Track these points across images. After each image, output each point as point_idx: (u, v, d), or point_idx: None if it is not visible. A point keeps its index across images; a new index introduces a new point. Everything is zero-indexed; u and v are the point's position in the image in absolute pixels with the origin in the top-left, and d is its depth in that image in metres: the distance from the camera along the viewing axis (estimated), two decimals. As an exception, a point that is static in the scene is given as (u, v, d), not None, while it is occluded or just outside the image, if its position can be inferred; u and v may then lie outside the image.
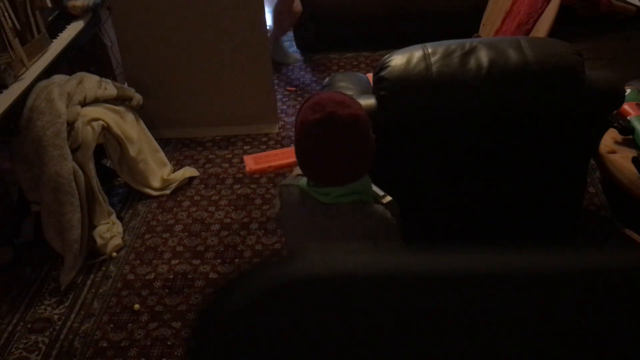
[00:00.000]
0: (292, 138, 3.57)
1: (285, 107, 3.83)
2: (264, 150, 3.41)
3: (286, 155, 2.76)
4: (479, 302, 0.32)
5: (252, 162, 2.73)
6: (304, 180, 1.47)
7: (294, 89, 4.04)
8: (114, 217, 2.84)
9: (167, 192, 3.09)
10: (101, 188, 2.77)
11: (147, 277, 2.60)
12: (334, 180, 1.40)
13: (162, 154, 3.18)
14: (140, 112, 3.10)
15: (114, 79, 3.25)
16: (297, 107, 3.80)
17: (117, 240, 2.75)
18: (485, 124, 2.03)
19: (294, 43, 4.56)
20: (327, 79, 2.63)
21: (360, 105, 1.39)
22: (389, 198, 1.50)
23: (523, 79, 1.93)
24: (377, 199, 1.48)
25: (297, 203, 1.50)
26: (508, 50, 1.95)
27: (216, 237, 2.79)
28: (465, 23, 3.89)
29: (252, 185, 3.11)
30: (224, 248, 2.73)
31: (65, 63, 2.97)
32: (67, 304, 2.49)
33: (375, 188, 1.50)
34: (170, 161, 3.24)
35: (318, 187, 1.43)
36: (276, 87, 3.79)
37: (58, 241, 2.59)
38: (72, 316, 2.43)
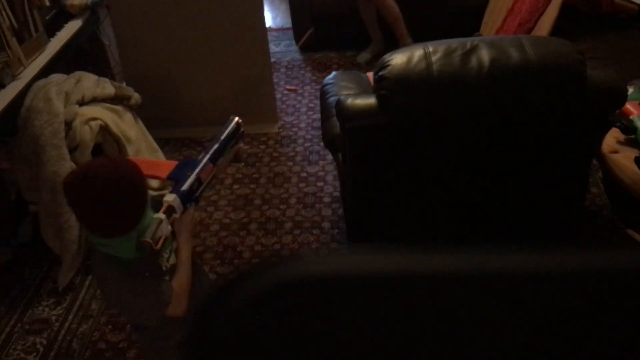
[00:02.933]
0: (292, 138, 3.58)
1: (284, 106, 3.82)
2: (263, 149, 3.40)
3: (155, 167, 2.62)
4: (480, 302, 0.32)
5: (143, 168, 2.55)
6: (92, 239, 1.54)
7: (294, 88, 4.03)
8: (112, 217, 2.83)
9: (166, 192, 3.08)
10: (99, 188, 2.76)
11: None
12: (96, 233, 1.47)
13: (160, 154, 3.17)
14: (139, 111, 3.09)
15: (112, 78, 3.24)
16: (298, 106, 3.82)
17: (116, 241, 2.74)
18: (486, 123, 2.03)
19: (293, 42, 4.56)
20: (327, 78, 2.63)
21: (113, 176, 1.41)
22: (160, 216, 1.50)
23: (524, 78, 1.92)
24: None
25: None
26: (509, 49, 1.94)
27: (215, 238, 2.78)
28: (466, 22, 3.89)
29: (251, 186, 3.11)
30: (223, 248, 2.72)
31: (63, 62, 2.96)
32: (65, 304, 2.48)
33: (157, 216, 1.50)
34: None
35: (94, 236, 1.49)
36: (276, 86, 3.79)
37: (56, 242, 2.58)
38: (70, 317, 2.42)
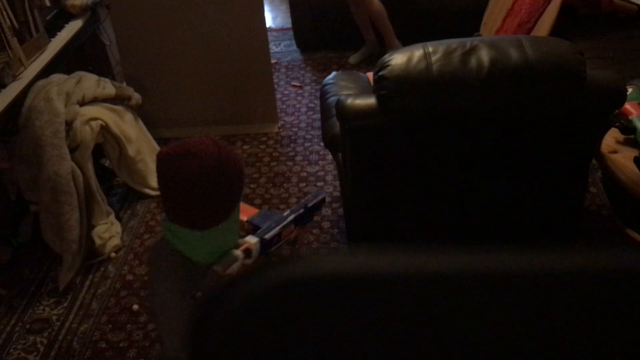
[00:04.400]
0: (292, 138, 3.57)
1: (285, 106, 3.82)
2: (263, 149, 3.40)
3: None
4: (480, 302, 0.32)
5: None
6: (166, 232, 1.46)
7: (298, 85, 4.04)
8: (112, 217, 2.84)
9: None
10: (100, 188, 2.77)
11: (146, 278, 2.59)
12: (189, 224, 1.39)
13: (161, 154, 3.17)
14: (139, 111, 3.09)
15: (112, 78, 3.24)
16: (298, 106, 3.82)
17: (116, 241, 2.75)
18: (486, 123, 2.03)
19: (293, 42, 4.56)
20: (328, 78, 2.63)
21: (212, 160, 1.33)
22: (252, 242, 1.48)
23: (524, 78, 1.93)
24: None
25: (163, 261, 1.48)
26: (509, 49, 1.94)
27: (215, 237, 2.78)
28: (466, 22, 3.89)
29: (251, 185, 3.11)
30: (223, 248, 2.72)
31: (64, 62, 2.96)
32: (65, 304, 2.49)
33: (243, 237, 1.49)
34: (169, 161, 3.23)
35: (177, 229, 1.41)
36: (276, 86, 3.79)
37: (57, 241, 2.58)
38: (71, 317, 2.42)
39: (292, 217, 1.59)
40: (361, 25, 4.21)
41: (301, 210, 1.63)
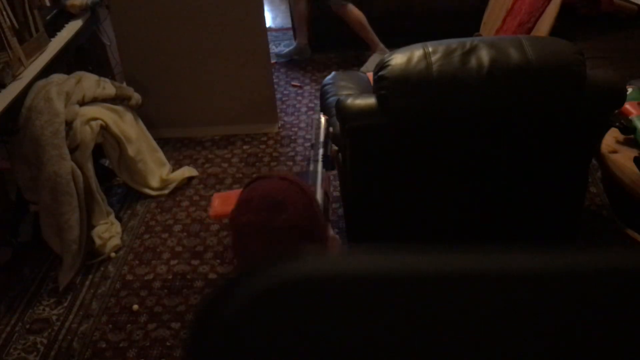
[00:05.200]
0: (292, 138, 3.57)
1: (284, 106, 3.82)
2: (263, 149, 3.40)
3: None
4: (480, 302, 0.32)
5: (219, 203, 2.29)
6: None
7: (298, 84, 4.04)
8: (112, 217, 2.84)
9: (166, 192, 3.09)
10: (100, 188, 2.77)
11: (146, 278, 2.59)
12: None
13: (161, 154, 3.17)
14: (139, 111, 3.09)
15: (112, 78, 3.24)
16: (298, 106, 3.82)
17: (116, 241, 2.75)
18: (485, 123, 2.03)
19: (294, 42, 4.56)
20: (327, 78, 2.63)
21: (303, 201, 1.16)
22: None
23: (524, 78, 1.92)
24: None
25: None
26: (509, 49, 1.94)
27: (215, 238, 2.79)
28: (466, 22, 3.89)
29: (251, 185, 3.11)
30: (223, 248, 2.72)
31: (64, 62, 2.96)
32: (65, 304, 2.49)
33: None
34: (169, 161, 3.23)
35: None
36: (276, 86, 3.79)
37: (56, 241, 2.58)
38: (71, 317, 2.42)
39: (319, 167, 1.39)
40: (296, 23, 4.22)
41: (321, 150, 1.44)
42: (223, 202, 2.15)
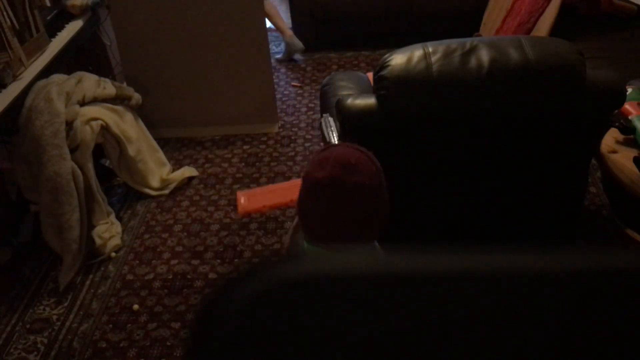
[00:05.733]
0: (292, 138, 3.57)
1: (285, 106, 3.82)
2: (263, 149, 3.40)
3: (282, 193, 2.36)
4: (479, 303, 0.32)
5: (245, 201, 2.36)
6: (307, 246, 1.35)
7: (299, 85, 4.04)
8: (112, 217, 2.84)
9: (166, 192, 3.09)
10: (100, 188, 2.77)
11: (146, 278, 2.59)
12: (328, 243, 1.28)
13: (161, 154, 3.17)
14: (139, 111, 3.09)
15: (112, 78, 3.25)
16: (298, 106, 3.82)
17: (116, 241, 2.75)
18: (485, 123, 2.03)
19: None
20: (327, 78, 2.63)
21: (372, 169, 1.27)
22: None
23: (524, 79, 1.93)
24: None
25: None
26: (509, 49, 1.94)
27: (215, 237, 2.79)
28: (465, 22, 3.89)
29: (251, 185, 3.11)
30: (223, 248, 2.72)
31: (64, 62, 2.96)
32: (65, 304, 2.49)
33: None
34: (169, 161, 3.23)
35: (321, 250, 1.25)
36: (276, 86, 3.79)
37: (57, 241, 2.58)
38: (71, 316, 2.42)
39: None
40: (271, 21, 4.23)
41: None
42: (249, 199, 2.19)
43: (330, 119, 1.72)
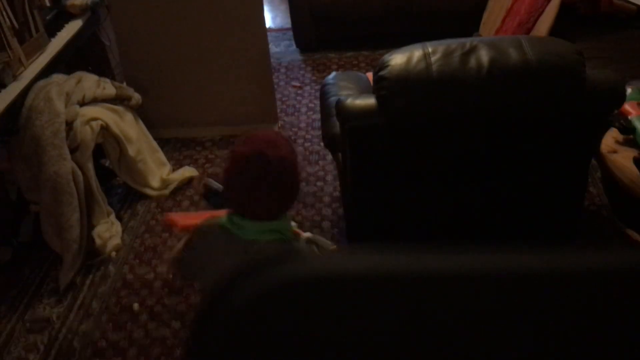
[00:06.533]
0: (292, 138, 3.57)
1: (284, 106, 3.82)
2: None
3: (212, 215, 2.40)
4: (480, 302, 0.32)
5: (180, 217, 2.21)
6: (224, 218, 1.47)
7: (298, 85, 4.04)
8: (113, 217, 2.84)
9: (166, 192, 3.09)
10: (100, 188, 2.77)
11: (146, 277, 2.59)
12: (252, 214, 1.42)
13: (161, 154, 3.17)
14: (139, 111, 3.09)
15: (112, 78, 3.24)
16: (298, 106, 3.82)
17: (116, 240, 2.75)
18: (485, 123, 2.03)
19: (293, 42, 4.56)
20: (327, 78, 2.63)
21: (291, 149, 1.45)
22: (307, 235, 1.63)
23: (524, 79, 1.93)
24: (295, 238, 1.56)
25: (215, 241, 1.48)
26: (508, 49, 1.94)
27: (215, 237, 2.78)
28: (465, 22, 3.88)
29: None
30: (223, 248, 2.72)
31: (64, 62, 2.96)
32: (66, 303, 2.49)
33: (294, 226, 1.57)
34: (169, 161, 3.23)
35: (241, 219, 1.43)
36: (276, 86, 3.79)
37: (57, 241, 2.58)
38: (71, 316, 2.42)
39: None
40: None
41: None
42: (183, 217, 2.16)
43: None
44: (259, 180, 1.39)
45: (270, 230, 1.44)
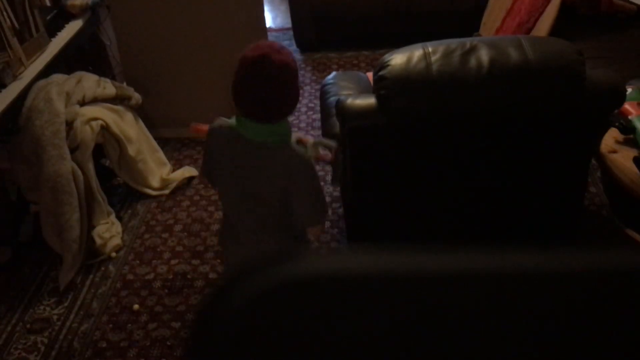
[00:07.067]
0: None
1: (285, 106, 3.82)
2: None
3: None
4: (479, 303, 0.32)
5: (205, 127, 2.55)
6: (233, 120, 1.67)
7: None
8: (113, 217, 2.84)
9: (167, 191, 3.09)
10: (100, 188, 2.77)
11: (146, 277, 2.59)
12: (257, 114, 1.59)
13: (161, 154, 3.17)
14: (139, 111, 3.09)
15: (112, 78, 3.24)
16: (298, 106, 3.81)
17: (116, 240, 2.75)
18: (485, 123, 2.03)
19: (293, 42, 4.56)
20: (327, 78, 2.63)
21: (292, 57, 1.60)
22: (312, 140, 1.83)
23: (524, 78, 1.93)
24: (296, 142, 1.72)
25: (225, 142, 1.68)
26: (509, 49, 1.94)
27: (216, 237, 2.78)
28: (465, 22, 3.89)
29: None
30: (223, 248, 2.72)
31: (64, 62, 2.96)
32: (66, 304, 2.49)
33: (300, 135, 1.77)
34: (169, 161, 3.23)
35: (247, 121, 1.62)
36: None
37: (57, 241, 2.58)
38: (71, 316, 2.42)
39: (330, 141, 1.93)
40: None
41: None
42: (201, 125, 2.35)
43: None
44: (263, 82, 1.54)
45: (271, 132, 1.60)
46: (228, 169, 1.68)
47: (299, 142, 1.74)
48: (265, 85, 1.55)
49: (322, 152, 1.83)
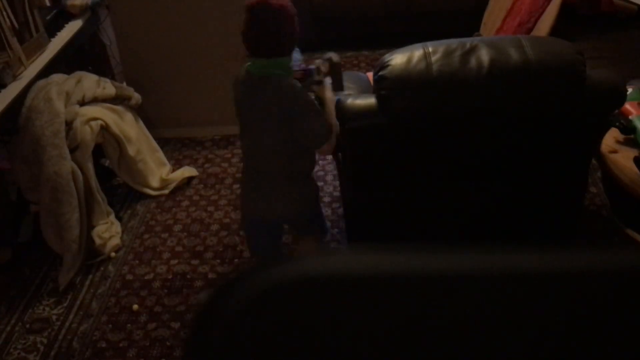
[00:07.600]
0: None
1: (284, 106, 3.82)
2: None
3: None
4: (479, 303, 0.32)
5: None
6: (249, 62, 1.95)
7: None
8: (112, 217, 2.84)
9: (166, 192, 3.09)
10: (100, 188, 2.77)
11: (146, 278, 2.59)
12: (260, 51, 1.87)
13: (161, 154, 3.17)
14: (139, 111, 3.09)
15: (112, 78, 3.24)
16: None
17: (116, 241, 2.75)
18: (486, 123, 2.03)
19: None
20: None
21: (292, 5, 1.88)
22: (317, 61, 2.09)
23: (524, 78, 1.92)
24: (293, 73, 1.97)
25: (240, 82, 2.00)
26: (509, 49, 1.94)
27: (215, 237, 2.79)
28: (466, 22, 3.88)
29: (251, 185, 3.11)
30: (223, 248, 2.72)
31: (64, 62, 2.96)
32: (65, 304, 2.49)
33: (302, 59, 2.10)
34: (169, 161, 3.23)
35: (253, 59, 1.90)
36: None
37: (57, 241, 2.58)
38: (71, 316, 2.42)
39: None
40: None
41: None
42: None
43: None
44: (263, 22, 1.83)
45: (272, 65, 1.87)
46: (240, 102, 2.01)
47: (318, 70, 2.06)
48: (265, 24, 1.83)
49: (323, 68, 2.06)
